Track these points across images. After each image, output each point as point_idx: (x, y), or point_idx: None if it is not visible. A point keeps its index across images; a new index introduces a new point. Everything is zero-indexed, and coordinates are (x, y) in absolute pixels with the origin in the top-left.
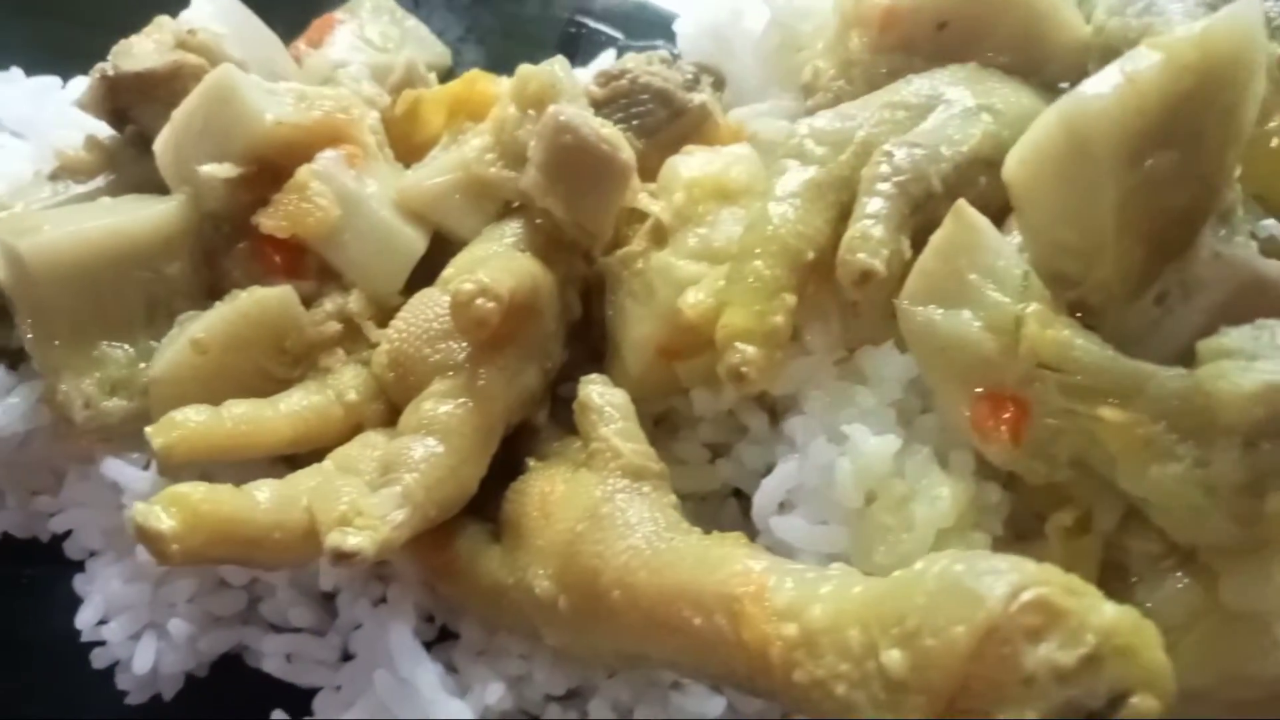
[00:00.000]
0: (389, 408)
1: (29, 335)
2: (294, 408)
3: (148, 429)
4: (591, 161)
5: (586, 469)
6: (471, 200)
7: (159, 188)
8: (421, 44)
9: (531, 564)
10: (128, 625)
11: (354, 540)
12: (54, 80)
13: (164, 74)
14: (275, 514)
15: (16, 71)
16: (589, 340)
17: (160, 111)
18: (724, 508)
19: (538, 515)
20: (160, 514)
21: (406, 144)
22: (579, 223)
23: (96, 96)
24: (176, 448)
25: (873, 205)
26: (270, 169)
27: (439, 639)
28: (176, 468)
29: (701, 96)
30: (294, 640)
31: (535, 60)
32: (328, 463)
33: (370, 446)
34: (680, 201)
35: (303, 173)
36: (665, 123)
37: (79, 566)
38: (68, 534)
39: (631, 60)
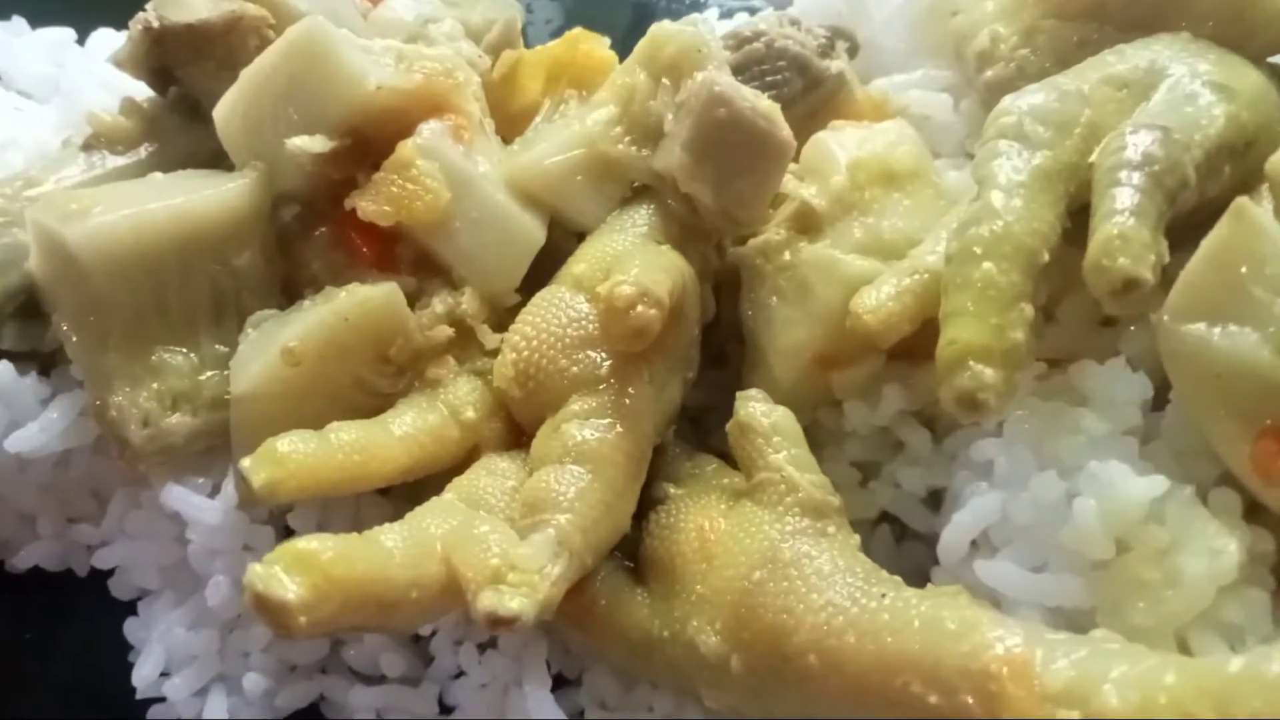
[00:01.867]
0: (509, 426)
1: (72, 338)
2: (409, 430)
3: (244, 463)
4: (746, 140)
5: (752, 503)
6: (595, 182)
7: (208, 161)
8: None
9: (692, 615)
10: (194, 679)
11: (514, 603)
12: (67, 33)
13: (220, 26)
14: (411, 569)
15: (20, 23)
16: (710, 342)
17: (213, 71)
18: (874, 535)
19: (696, 558)
20: (284, 580)
21: (501, 114)
22: (727, 210)
23: (138, 52)
24: (283, 485)
25: (1123, 199)
26: (363, 143)
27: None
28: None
29: (838, 64)
30: (384, 692)
31: (613, 19)
32: (449, 495)
33: (499, 475)
34: (840, 186)
35: (407, 148)
36: (800, 94)
37: (127, 608)
38: (112, 570)
39: (764, 21)
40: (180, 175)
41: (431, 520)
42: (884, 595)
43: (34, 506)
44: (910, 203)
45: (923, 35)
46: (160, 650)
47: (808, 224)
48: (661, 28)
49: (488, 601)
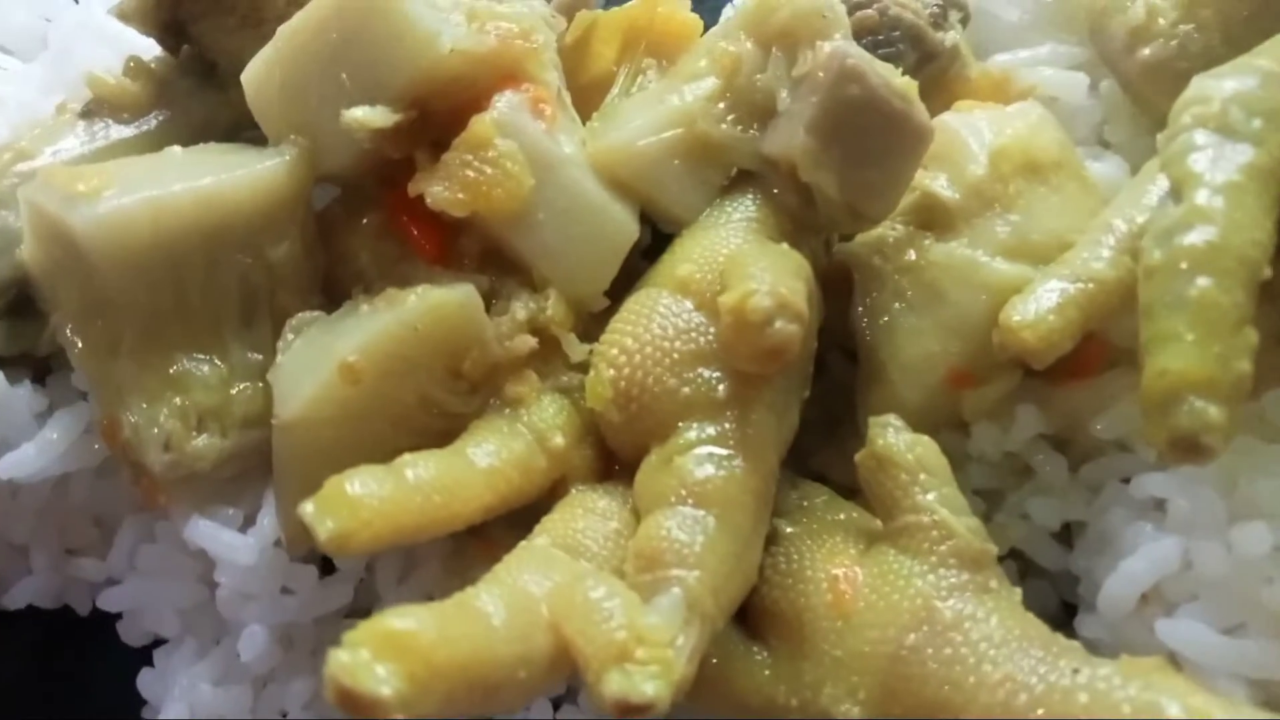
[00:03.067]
0: (599, 453)
1: (76, 343)
2: (493, 462)
3: (307, 509)
4: (880, 123)
5: (895, 550)
6: (693, 167)
7: (226, 132)
8: None
9: (826, 682)
10: None
11: (648, 687)
12: None
13: None
14: (518, 644)
15: None
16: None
17: (234, 28)
18: None
19: (829, 614)
20: (377, 670)
21: (570, 84)
22: (852, 203)
23: (146, 4)
24: (355, 537)
25: None
26: (427, 116)
27: None
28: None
29: (953, 36)
30: None
31: None
32: (542, 540)
33: (598, 515)
34: (977, 177)
35: (484, 124)
36: (914, 69)
37: (140, 656)
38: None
39: None
40: (204, 150)
41: (530, 576)
42: (1075, 671)
43: (27, 536)
44: (1057, 198)
45: (1046, 6)
46: (182, 709)
47: (935, 219)
48: None
49: (616, 686)
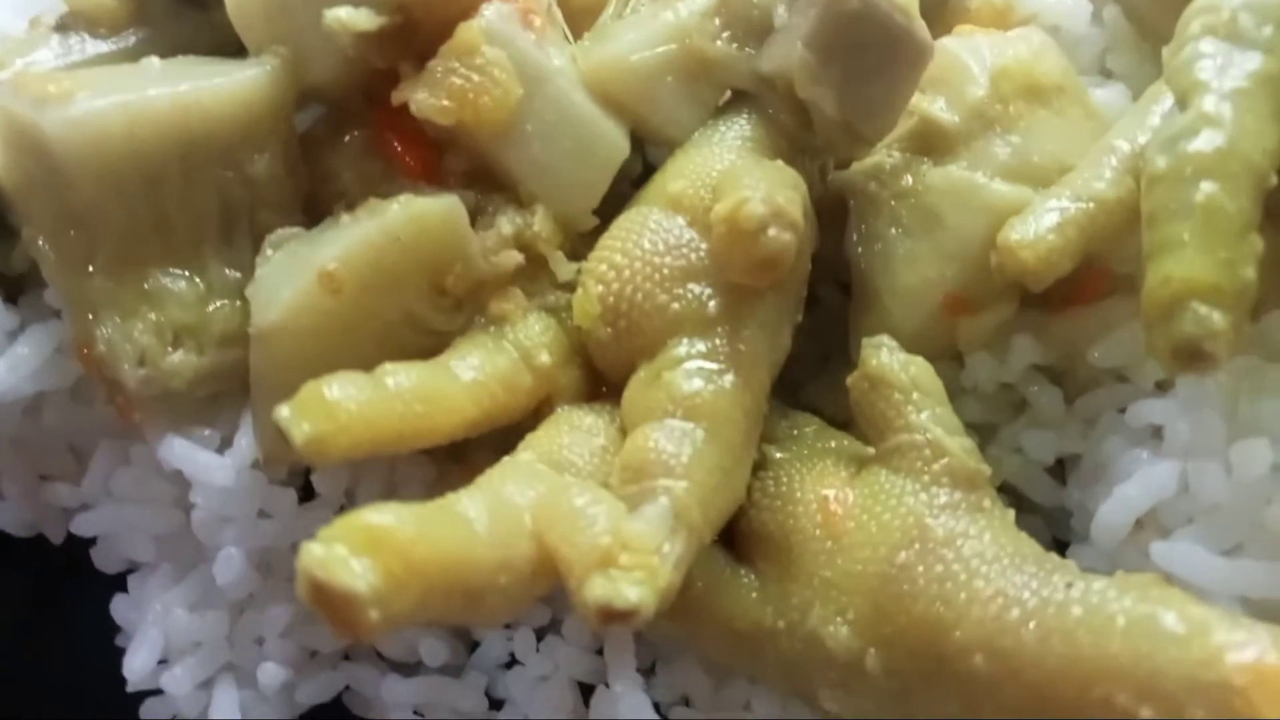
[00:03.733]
0: (586, 374)
1: (49, 256)
2: (476, 375)
3: (283, 412)
4: (881, 38)
5: (887, 470)
6: (687, 85)
7: (208, 54)
8: None
9: (815, 603)
10: (198, 670)
11: (632, 592)
12: None
13: None
14: (499, 549)
15: None
16: None
17: None
18: None
19: (818, 535)
20: (352, 565)
21: (563, 7)
22: (850, 122)
23: None
24: (333, 440)
25: None
26: (411, 25)
27: None
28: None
29: None
30: (422, 685)
31: None
32: (526, 455)
33: (584, 432)
34: (978, 99)
35: (471, 31)
36: None
37: (114, 582)
38: (95, 538)
39: None
40: (184, 61)
41: (514, 487)
42: (1069, 585)
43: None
44: (1059, 122)
45: None
46: (156, 635)
47: (933, 143)
48: None
49: (600, 590)
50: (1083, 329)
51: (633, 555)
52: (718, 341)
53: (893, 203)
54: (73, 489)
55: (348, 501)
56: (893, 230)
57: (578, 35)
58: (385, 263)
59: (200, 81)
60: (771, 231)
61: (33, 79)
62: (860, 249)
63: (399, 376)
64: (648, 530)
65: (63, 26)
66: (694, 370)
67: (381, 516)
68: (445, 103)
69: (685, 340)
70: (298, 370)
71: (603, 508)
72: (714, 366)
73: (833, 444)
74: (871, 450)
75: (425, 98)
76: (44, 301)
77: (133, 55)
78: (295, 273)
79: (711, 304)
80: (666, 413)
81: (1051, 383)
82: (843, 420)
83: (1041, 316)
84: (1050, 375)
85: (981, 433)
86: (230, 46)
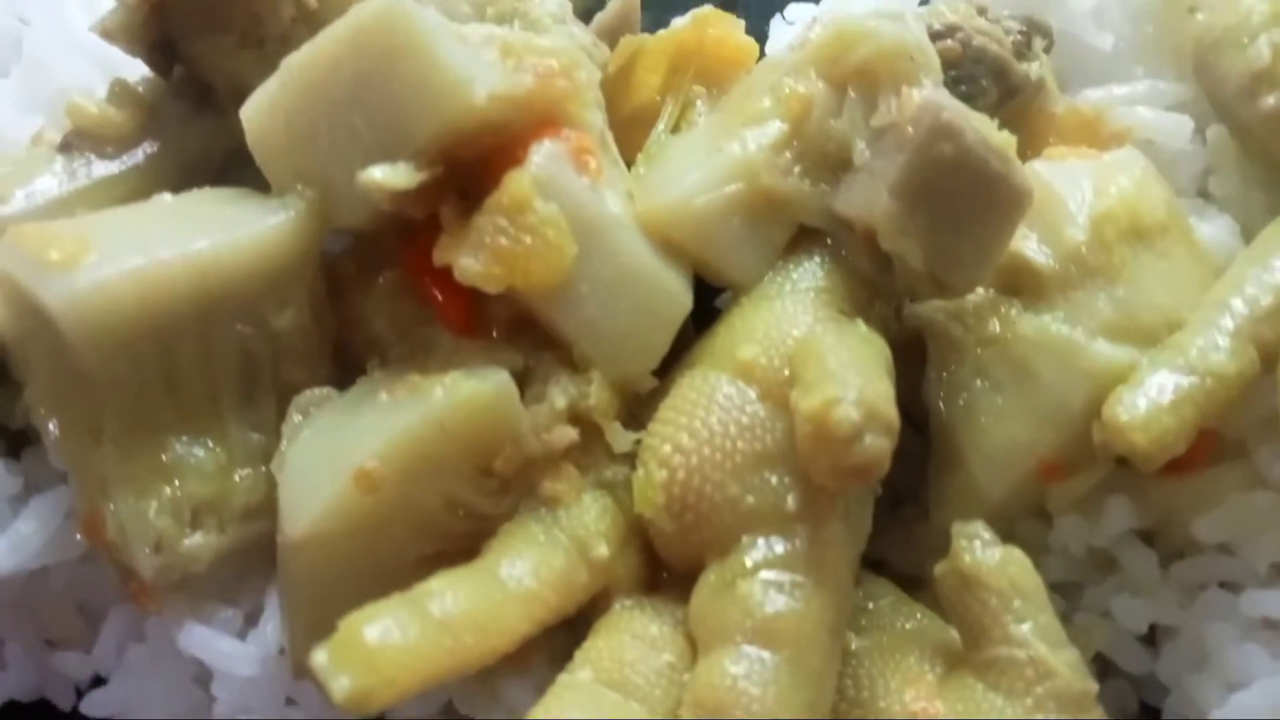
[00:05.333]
0: (645, 558)
1: (51, 427)
2: (530, 585)
3: (320, 659)
4: (975, 185)
5: (983, 685)
6: (753, 225)
7: (223, 162)
8: None
9: None
10: None
11: None
12: None
13: None
14: None
15: None
16: None
17: (232, 48)
18: None
19: None
20: None
21: (611, 116)
22: (937, 274)
23: (133, 21)
24: (376, 695)
25: None
26: (452, 167)
27: None
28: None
29: (1038, 68)
30: None
31: None
32: (585, 675)
33: (647, 644)
34: (1078, 242)
35: (521, 185)
36: (995, 105)
37: None
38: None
39: (950, 9)
40: (198, 199)
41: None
42: None
43: (3, 630)
44: (1164, 266)
45: (1150, 34)
46: None
47: (1022, 283)
48: (852, 24)
49: None
50: (1186, 497)
51: None
52: (797, 544)
53: (978, 349)
54: (82, 657)
55: None
56: (979, 381)
57: (630, 146)
58: (429, 452)
59: (218, 235)
60: (867, 440)
61: (32, 236)
62: (941, 396)
63: (446, 602)
64: None
65: (67, 146)
66: (772, 582)
67: None
68: (494, 270)
69: (761, 540)
70: (330, 573)
71: None
72: (794, 578)
73: (910, 625)
74: (954, 634)
75: (472, 264)
76: (48, 460)
77: (143, 174)
78: (328, 470)
79: (789, 498)
80: (743, 634)
81: (1144, 544)
82: (915, 575)
83: (1138, 478)
84: (1143, 535)
85: (1066, 593)
86: (246, 151)
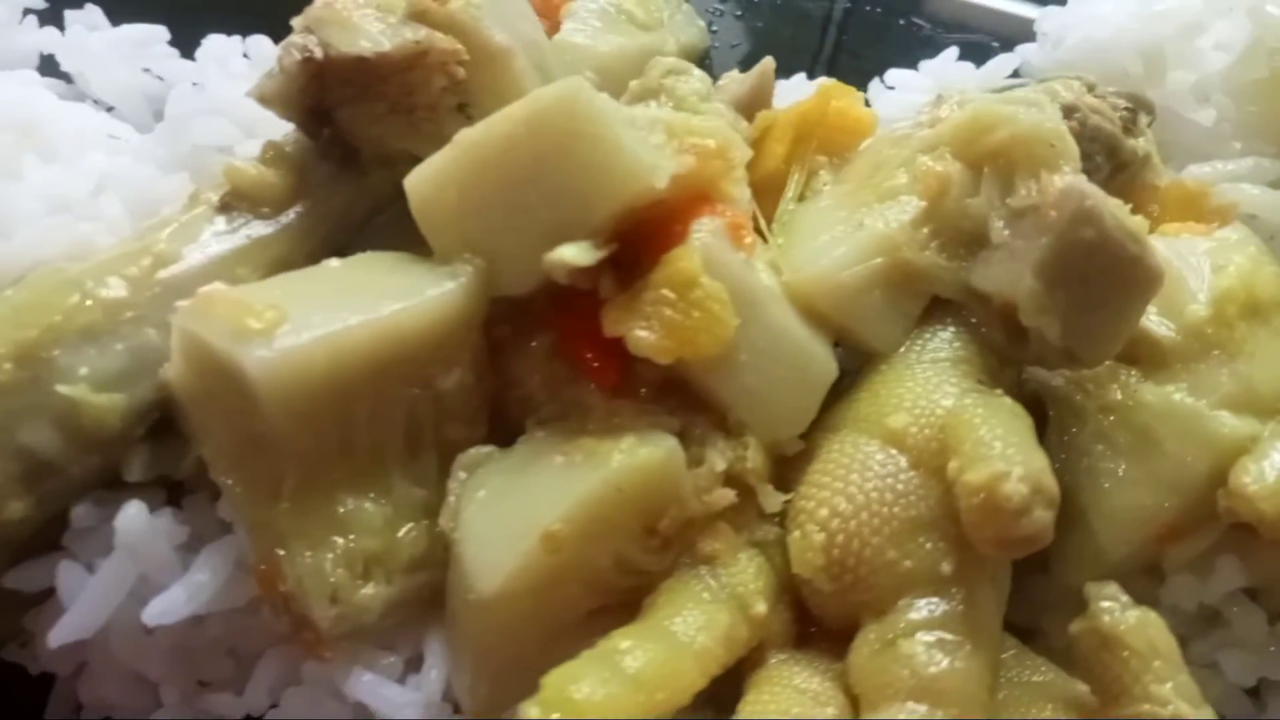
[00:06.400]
0: (794, 614)
1: (231, 485)
2: (702, 641)
3: (533, 714)
4: (1112, 266)
5: None
6: (892, 296)
7: (362, 221)
8: (682, 15)
9: None
10: None
11: None
12: (157, 31)
13: (398, 61)
14: None
15: (95, 12)
16: None
17: (382, 115)
18: None
19: None
20: None
21: None
22: (1072, 348)
23: (291, 88)
24: None
25: None
26: (624, 248)
27: None
28: None
29: (1144, 144)
30: None
31: (803, 39)
32: None
33: (811, 700)
34: (1200, 318)
35: (689, 262)
36: (1107, 179)
37: None
38: None
39: (1064, 87)
40: (366, 265)
41: None
42: None
43: (159, 673)
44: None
45: (1253, 111)
46: None
47: (1141, 355)
48: (990, 108)
49: None
50: None
51: None
52: (954, 605)
53: (1099, 416)
54: (234, 699)
55: None
56: (1099, 446)
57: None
58: (606, 514)
59: (396, 302)
60: (1036, 514)
61: (227, 304)
62: (1063, 458)
63: (635, 659)
64: None
65: (226, 206)
66: (933, 643)
67: None
68: (665, 342)
69: (919, 602)
70: (513, 627)
71: None
72: (953, 638)
73: (1038, 678)
74: (1081, 687)
75: (645, 335)
76: (210, 509)
77: (293, 234)
78: (515, 534)
79: (944, 563)
80: (909, 692)
81: (1251, 600)
82: (1027, 627)
83: (1248, 538)
84: (1250, 594)
85: None
86: (382, 208)
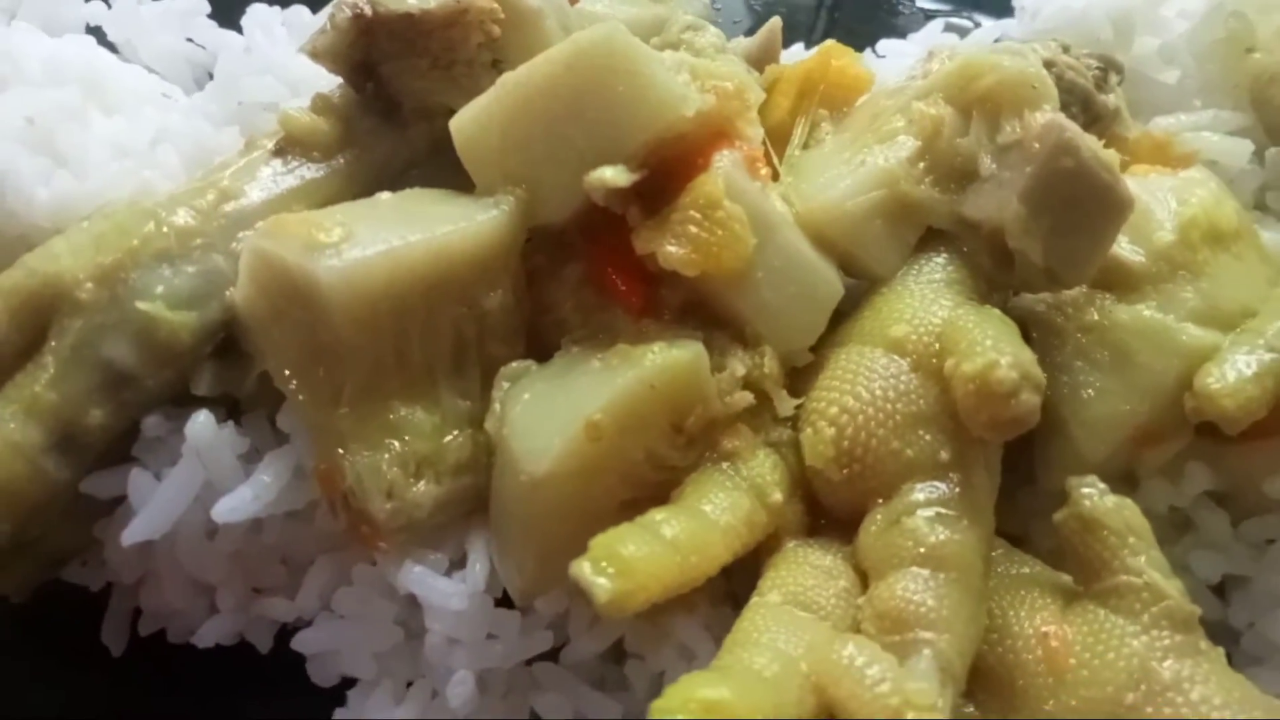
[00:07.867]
0: (806, 507)
1: (296, 391)
2: (729, 520)
3: (583, 569)
4: (1088, 193)
5: (1105, 610)
6: (891, 226)
7: (401, 171)
8: None
9: None
10: None
11: None
12: (199, 3)
13: (441, 18)
14: (792, 709)
15: None
16: None
17: (424, 69)
18: None
19: (1041, 669)
20: None
21: None
22: (1053, 269)
23: (341, 43)
24: (631, 599)
25: None
26: (655, 174)
27: None
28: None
29: (1114, 99)
30: None
31: (795, 18)
32: (775, 597)
33: (826, 574)
34: (1166, 243)
35: (712, 185)
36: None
37: (330, 696)
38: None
39: (1043, 46)
40: (414, 198)
41: (782, 636)
42: None
43: (219, 577)
44: (1240, 266)
45: (1212, 71)
46: None
47: (1114, 280)
48: (978, 57)
49: None
50: (1259, 461)
51: (916, 712)
52: (952, 487)
53: (1079, 335)
54: (286, 603)
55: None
56: (1079, 362)
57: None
58: (640, 409)
59: (448, 225)
60: (1024, 395)
61: (297, 223)
62: (1045, 375)
63: (672, 526)
64: (926, 687)
65: (281, 151)
66: (934, 517)
67: (717, 691)
68: (692, 255)
69: (920, 485)
70: (559, 511)
71: (879, 666)
72: (952, 513)
73: (1026, 570)
74: (1064, 578)
75: (674, 250)
76: (268, 423)
77: (341, 178)
78: (562, 422)
79: (942, 451)
80: (914, 560)
81: (1218, 505)
82: (1015, 535)
83: (1215, 445)
84: (1215, 498)
85: None
86: (420, 160)
